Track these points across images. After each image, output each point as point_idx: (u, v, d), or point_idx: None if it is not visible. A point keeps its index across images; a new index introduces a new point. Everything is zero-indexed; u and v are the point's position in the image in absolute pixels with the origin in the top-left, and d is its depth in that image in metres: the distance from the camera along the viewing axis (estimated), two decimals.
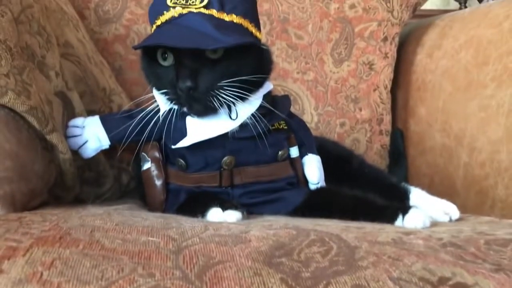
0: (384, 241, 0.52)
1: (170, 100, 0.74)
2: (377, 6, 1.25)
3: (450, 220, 0.79)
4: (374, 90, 1.25)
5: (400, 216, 0.67)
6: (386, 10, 1.26)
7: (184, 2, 0.71)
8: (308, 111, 1.22)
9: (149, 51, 0.75)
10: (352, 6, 1.25)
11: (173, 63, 0.73)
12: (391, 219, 0.68)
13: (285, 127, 0.82)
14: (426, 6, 1.53)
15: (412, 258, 0.47)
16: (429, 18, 1.34)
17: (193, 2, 0.71)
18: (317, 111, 1.22)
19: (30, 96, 0.67)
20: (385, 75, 1.26)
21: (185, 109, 0.74)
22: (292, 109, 0.84)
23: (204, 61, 0.71)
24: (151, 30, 0.76)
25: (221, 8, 0.71)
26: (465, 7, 2.16)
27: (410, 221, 0.66)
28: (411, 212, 0.67)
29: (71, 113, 0.81)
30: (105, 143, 0.82)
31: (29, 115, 0.67)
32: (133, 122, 0.78)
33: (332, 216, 0.72)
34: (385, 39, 1.26)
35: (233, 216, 0.67)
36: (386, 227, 0.62)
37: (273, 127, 0.80)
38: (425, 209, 0.77)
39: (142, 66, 0.79)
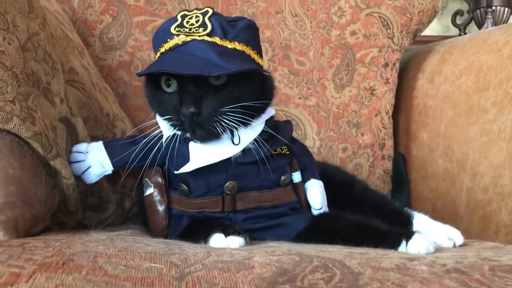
0: (388, 267, 0.52)
1: (174, 126, 0.74)
2: (377, 33, 1.27)
3: (454, 246, 0.79)
4: (376, 115, 1.25)
5: (404, 242, 0.67)
6: (386, 37, 1.27)
7: (187, 30, 0.72)
8: (310, 136, 1.22)
9: (153, 78, 0.76)
10: (353, 33, 1.27)
11: (177, 89, 0.73)
12: (394, 245, 0.67)
13: (287, 152, 0.82)
14: (426, 33, 1.55)
15: (416, 285, 0.47)
16: (429, 44, 1.36)
17: (196, 30, 0.72)
18: (319, 136, 1.22)
19: (35, 122, 0.68)
20: (386, 100, 1.26)
21: (188, 135, 0.74)
22: (294, 134, 0.85)
23: (207, 88, 0.72)
24: (155, 57, 0.77)
25: (224, 36, 0.72)
26: (465, 33, 2.18)
27: (414, 246, 0.66)
28: (414, 237, 0.67)
29: (75, 139, 0.82)
30: (108, 168, 0.82)
31: (33, 141, 0.68)
32: (136, 147, 0.79)
33: (335, 242, 0.71)
34: (386, 65, 1.27)
35: (235, 242, 0.67)
36: (390, 253, 0.62)
37: (276, 152, 0.80)
38: (429, 235, 0.77)
39: (145, 93, 0.79)
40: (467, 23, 2.18)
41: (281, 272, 0.49)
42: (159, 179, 0.81)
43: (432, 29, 2.23)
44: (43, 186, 0.70)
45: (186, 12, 0.75)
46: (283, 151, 0.82)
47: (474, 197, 1.02)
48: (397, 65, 1.29)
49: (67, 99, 0.80)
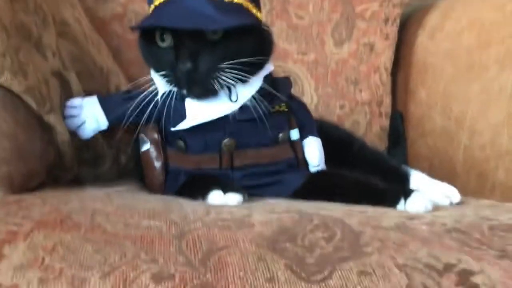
0: (388, 226, 0.52)
1: (169, 82, 0.73)
2: None
3: (451, 204, 0.79)
4: (375, 72, 1.24)
5: (402, 200, 0.67)
6: None
7: None
8: (308, 93, 1.21)
9: (147, 32, 0.73)
10: None
11: (172, 44, 0.71)
12: (393, 203, 0.68)
13: (286, 109, 0.81)
14: None
15: (417, 244, 0.47)
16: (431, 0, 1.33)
17: None
18: (317, 92, 1.21)
19: (27, 76, 0.66)
20: (385, 57, 1.24)
21: (184, 92, 0.73)
22: (292, 91, 0.83)
23: (204, 43, 0.70)
24: (148, 10, 0.74)
25: None
26: None
27: (412, 205, 0.66)
28: (413, 196, 0.67)
29: (68, 94, 0.80)
30: (104, 124, 0.81)
31: (26, 95, 0.66)
32: (132, 103, 0.77)
33: (333, 199, 0.71)
34: (386, 20, 1.24)
35: (234, 198, 0.66)
36: (389, 211, 0.62)
37: (274, 109, 0.79)
38: (426, 193, 0.77)
39: (140, 47, 0.77)
40: None
41: (281, 230, 0.49)
42: (156, 135, 0.80)
43: None
44: (38, 141, 0.69)
45: None
46: (281, 108, 0.81)
47: (471, 155, 1.02)
48: (398, 20, 1.26)
49: (59, 52, 0.78)
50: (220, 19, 0.67)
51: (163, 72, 0.73)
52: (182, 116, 0.75)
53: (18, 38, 0.67)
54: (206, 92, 0.72)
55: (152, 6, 0.73)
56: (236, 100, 0.74)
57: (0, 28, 0.63)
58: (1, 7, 0.64)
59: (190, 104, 0.75)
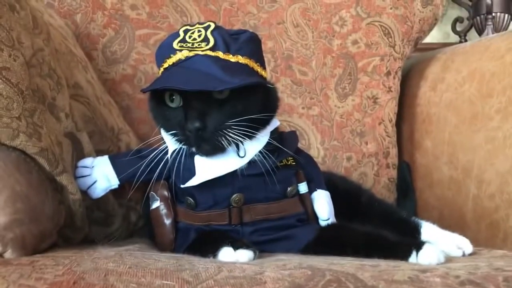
0: (401, 280, 0.51)
1: (179, 141, 0.74)
2: (379, 42, 1.27)
3: (463, 255, 0.78)
4: (379, 123, 1.25)
5: (414, 253, 0.66)
6: (388, 45, 1.28)
7: (190, 45, 0.72)
8: (314, 146, 1.22)
9: (157, 93, 0.75)
10: (355, 42, 1.27)
11: (181, 104, 0.73)
12: (404, 256, 0.67)
13: (293, 163, 0.82)
14: (426, 40, 1.55)
15: None
16: (431, 52, 1.36)
17: (199, 44, 0.72)
18: (323, 145, 1.22)
19: (41, 138, 0.68)
20: (389, 108, 1.26)
21: (193, 149, 0.74)
22: (299, 144, 0.84)
23: (212, 102, 0.72)
24: (158, 73, 0.77)
25: (227, 50, 0.72)
26: (465, 40, 2.19)
27: (425, 257, 0.65)
28: (425, 248, 0.66)
29: (80, 154, 0.81)
30: (114, 183, 0.82)
31: (39, 157, 0.67)
32: (143, 162, 0.79)
33: (345, 253, 0.71)
34: (388, 73, 1.27)
35: (245, 255, 0.66)
36: (401, 264, 0.61)
37: (281, 164, 0.80)
38: (438, 244, 0.77)
39: (150, 108, 0.79)
40: (467, 30, 2.19)
41: (294, 287, 0.49)
42: (165, 193, 0.81)
43: (432, 36, 2.23)
44: (49, 202, 0.69)
45: (188, 27, 0.75)
46: (289, 162, 0.82)
47: (480, 205, 1.01)
48: (399, 73, 1.29)
49: (72, 114, 0.80)
50: (227, 80, 0.69)
51: (172, 131, 0.74)
52: (191, 173, 0.76)
53: (33, 101, 0.69)
54: (214, 149, 0.73)
55: (161, 69, 0.76)
56: (244, 156, 0.75)
57: (17, 93, 0.66)
58: (19, 72, 0.67)
59: (199, 161, 0.76)
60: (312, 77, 1.25)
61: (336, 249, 0.72)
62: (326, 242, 0.75)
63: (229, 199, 0.76)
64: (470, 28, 2.18)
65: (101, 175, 0.81)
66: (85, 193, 0.80)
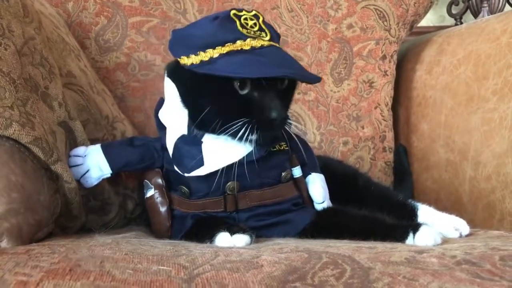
0: (398, 261, 0.51)
1: (237, 128, 0.71)
2: (374, 25, 1.26)
3: (460, 236, 0.79)
4: (375, 107, 1.25)
5: (411, 234, 0.67)
6: (383, 29, 1.27)
7: (253, 34, 0.72)
8: (311, 131, 1.22)
9: (218, 79, 0.71)
10: (350, 26, 1.26)
11: (249, 92, 0.72)
12: (401, 238, 0.67)
13: (286, 148, 0.82)
14: (422, 23, 1.54)
15: (427, 278, 0.47)
16: (427, 35, 1.35)
17: (260, 34, 0.72)
18: (319, 130, 1.22)
19: (34, 127, 0.67)
20: (385, 92, 1.26)
21: (253, 137, 0.72)
22: (295, 129, 0.84)
23: (276, 92, 0.73)
24: (198, 57, 0.71)
25: (278, 42, 0.74)
26: (461, 23, 2.17)
27: (421, 239, 0.65)
28: (421, 230, 0.66)
29: (73, 143, 0.81)
30: (107, 171, 0.82)
31: (33, 146, 0.67)
32: (134, 150, 0.78)
33: (342, 237, 0.71)
34: (383, 57, 1.27)
35: (241, 240, 0.66)
36: (398, 246, 0.62)
37: (274, 149, 0.79)
38: (435, 226, 0.77)
39: (203, 95, 0.74)
40: (463, 13, 2.17)
41: (290, 270, 0.49)
42: (159, 181, 0.80)
43: (427, 20, 2.21)
44: (45, 191, 0.69)
45: (236, 12, 0.73)
46: (282, 147, 0.81)
47: (477, 186, 1.01)
48: (395, 57, 1.28)
49: (65, 103, 0.80)
50: (309, 72, 0.71)
51: (235, 117, 0.71)
52: (194, 160, 0.74)
53: (26, 90, 0.68)
54: (278, 138, 0.77)
55: (215, 53, 0.70)
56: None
57: (9, 82, 0.65)
58: (10, 61, 0.67)
59: (208, 150, 0.74)
60: (307, 62, 1.24)
61: (333, 232, 0.73)
62: (323, 226, 0.76)
63: (224, 187, 0.76)
64: (466, 10, 2.17)
65: (94, 164, 0.81)
66: (78, 182, 0.80)
